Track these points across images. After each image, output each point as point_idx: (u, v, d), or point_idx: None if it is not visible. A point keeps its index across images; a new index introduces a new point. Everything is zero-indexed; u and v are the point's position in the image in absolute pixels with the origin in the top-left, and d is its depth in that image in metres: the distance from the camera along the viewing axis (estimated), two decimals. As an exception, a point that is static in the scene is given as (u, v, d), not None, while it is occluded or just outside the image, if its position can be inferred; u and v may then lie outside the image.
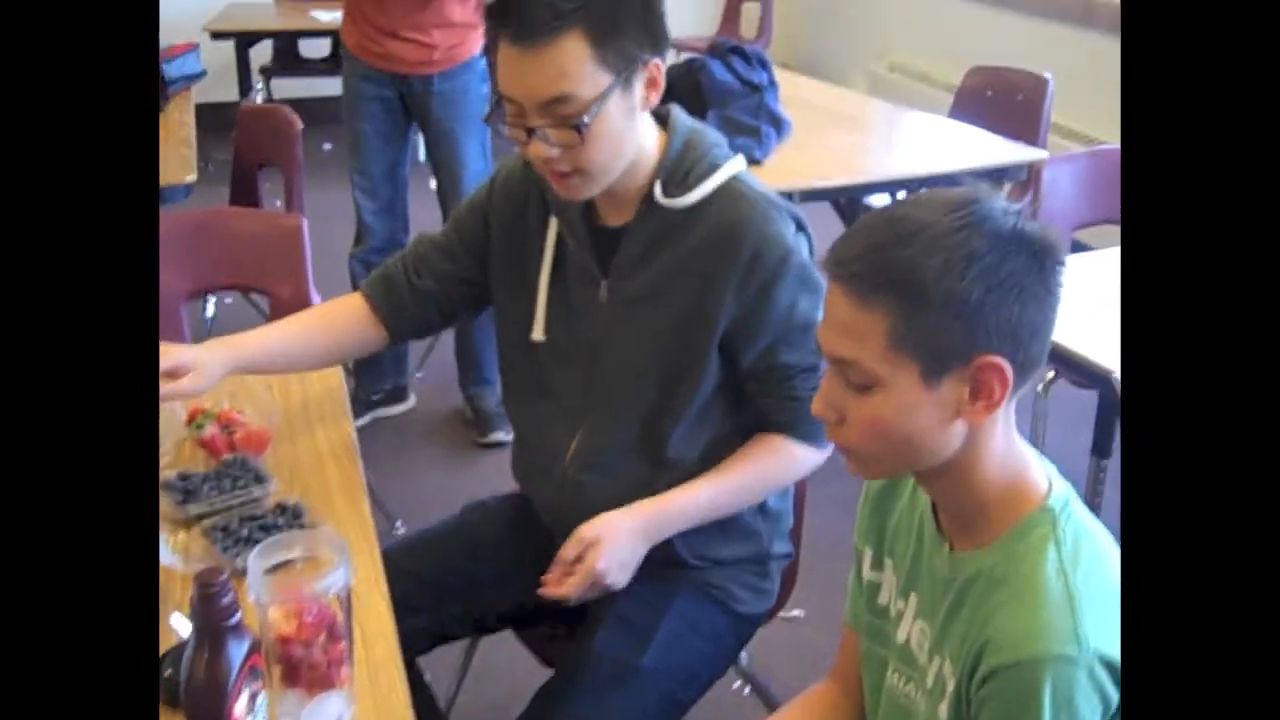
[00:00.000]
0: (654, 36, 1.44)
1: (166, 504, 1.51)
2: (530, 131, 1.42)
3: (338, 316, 1.72)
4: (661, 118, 1.54)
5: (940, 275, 1.00)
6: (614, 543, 1.50)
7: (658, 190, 1.50)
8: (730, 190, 1.51)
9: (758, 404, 1.58)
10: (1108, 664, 0.98)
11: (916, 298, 1.01)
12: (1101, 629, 0.99)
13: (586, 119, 1.40)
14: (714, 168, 1.52)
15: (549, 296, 1.60)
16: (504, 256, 1.65)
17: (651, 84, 1.46)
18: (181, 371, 1.51)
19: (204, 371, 1.54)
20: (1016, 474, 1.10)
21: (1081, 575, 1.02)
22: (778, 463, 1.59)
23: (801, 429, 1.57)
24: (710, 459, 1.58)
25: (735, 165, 1.53)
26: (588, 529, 1.51)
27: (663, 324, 1.53)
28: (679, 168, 1.51)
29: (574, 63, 1.38)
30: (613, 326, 1.56)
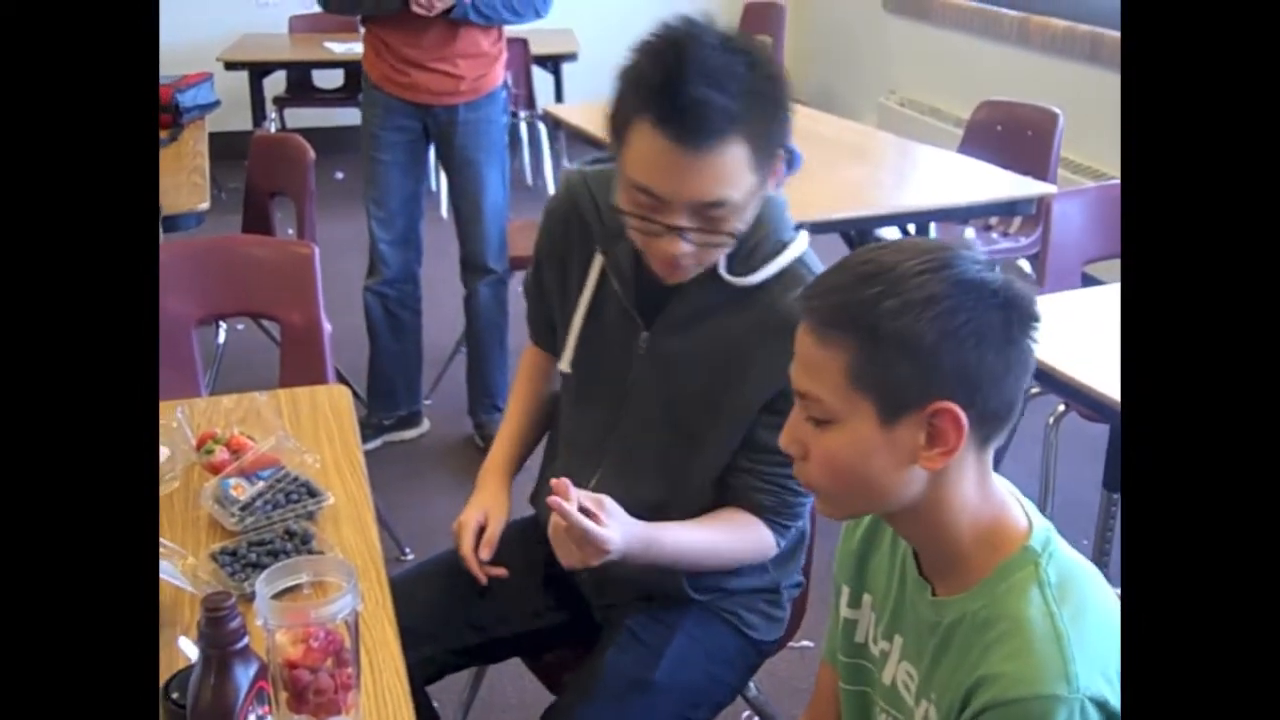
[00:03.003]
0: (788, 131, 1.40)
1: (225, 518, 1.52)
2: (667, 228, 1.37)
3: (542, 377, 1.78)
4: None
5: (896, 316, 1.00)
6: (622, 532, 1.42)
7: (722, 264, 1.47)
8: (793, 275, 1.46)
9: (746, 480, 1.54)
10: (1097, 703, 0.98)
11: (872, 337, 1.02)
12: (1090, 668, 0.99)
13: (740, 225, 1.38)
14: (781, 246, 1.48)
15: (583, 331, 1.59)
16: (553, 282, 1.65)
17: (775, 174, 1.42)
18: (486, 525, 1.64)
19: (499, 510, 1.67)
20: (992, 517, 1.09)
21: (1068, 614, 1.02)
22: (751, 542, 1.56)
23: (779, 518, 1.55)
24: None
25: (800, 245, 1.50)
26: (611, 550, 1.41)
27: (697, 389, 1.52)
28: (747, 242, 1.46)
29: (735, 168, 1.34)
30: (645, 378, 1.56)
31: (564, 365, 1.62)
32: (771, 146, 1.37)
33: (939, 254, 1.03)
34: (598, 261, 1.57)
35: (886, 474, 1.06)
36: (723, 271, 1.48)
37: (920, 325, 1.00)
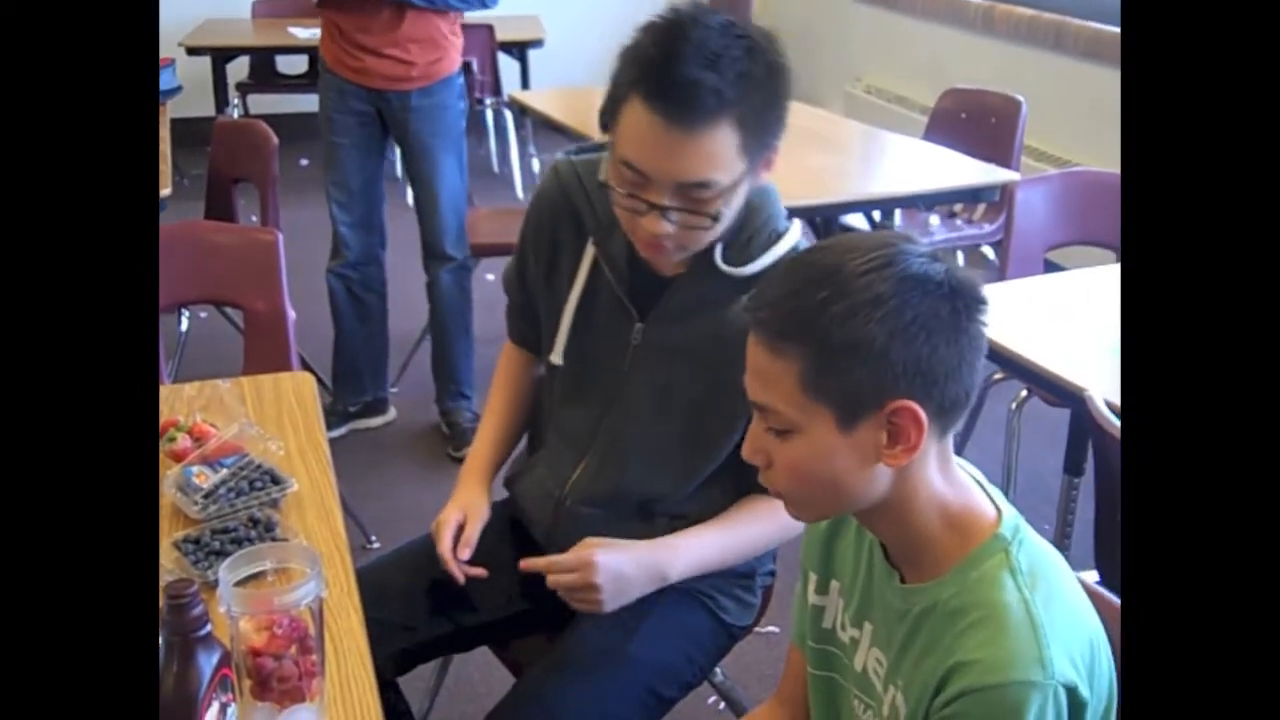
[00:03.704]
0: (783, 122, 1.40)
1: (188, 506, 1.50)
2: (651, 205, 1.38)
3: (523, 376, 1.76)
4: None
5: (844, 320, 1.00)
6: (620, 581, 1.50)
7: (718, 255, 1.47)
8: None
9: None
10: (1069, 689, 0.99)
11: (822, 344, 1.01)
12: (1061, 654, 1.00)
13: (725, 209, 1.38)
14: (776, 236, 1.49)
15: (574, 322, 1.58)
16: (539, 274, 1.63)
17: (767, 164, 1.42)
18: (465, 525, 1.62)
19: (478, 510, 1.64)
20: (960, 505, 1.09)
21: (1040, 600, 1.02)
22: (778, 525, 1.58)
23: None
24: (709, 516, 1.58)
25: (795, 234, 1.51)
26: (595, 560, 1.49)
27: (696, 384, 1.52)
28: (743, 232, 1.47)
29: (724, 150, 1.33)
30: (640, 370, 1.55)
31: (555, 357, 1.60)
32: (763, 134, 1.37)
33: (882, 251, 1.02)
34: (590, 252, 1.56)
35: (852, 475, 1.06)
36: (719, 262, 1.47)
37: (870, 327, 1.00)
